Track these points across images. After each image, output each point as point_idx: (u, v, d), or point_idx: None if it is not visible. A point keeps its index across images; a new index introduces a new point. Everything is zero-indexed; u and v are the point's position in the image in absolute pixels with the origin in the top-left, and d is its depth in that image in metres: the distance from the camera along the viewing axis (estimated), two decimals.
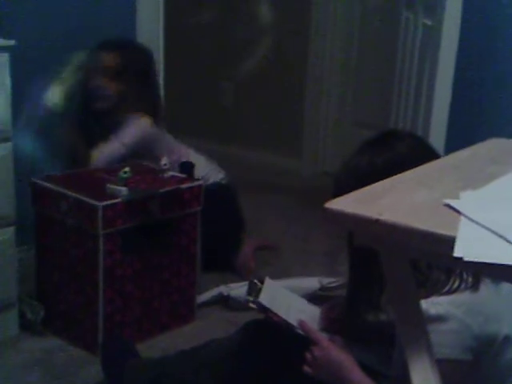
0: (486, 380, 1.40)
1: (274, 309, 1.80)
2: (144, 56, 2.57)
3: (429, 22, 2.66)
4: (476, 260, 0.76)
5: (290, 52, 4.01)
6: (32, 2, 2.42)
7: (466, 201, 0.90)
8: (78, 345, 2.12)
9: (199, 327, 2.28)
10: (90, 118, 2.53)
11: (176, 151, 2.58)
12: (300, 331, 1.67)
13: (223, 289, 2.43)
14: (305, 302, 2.00)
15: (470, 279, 1.36)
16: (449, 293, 1.35)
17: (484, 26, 2.60)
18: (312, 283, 2.46)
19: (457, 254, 0.77)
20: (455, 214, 0.87)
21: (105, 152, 2.44)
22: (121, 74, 2.48)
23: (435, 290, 1.35)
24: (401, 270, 0.95)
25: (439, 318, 1.31)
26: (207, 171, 2.66)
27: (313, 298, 2.45)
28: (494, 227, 0.81)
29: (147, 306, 2.19)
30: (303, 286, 2.46)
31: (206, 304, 2.40)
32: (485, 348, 1.35)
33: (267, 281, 2.04)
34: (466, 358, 1.33)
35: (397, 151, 1.48)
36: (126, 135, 2.47)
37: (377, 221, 0.85)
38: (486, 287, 1.37)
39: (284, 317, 1.79)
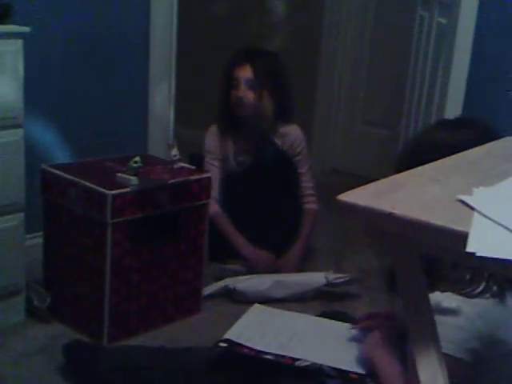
0: None
1: (247, 343, 1.80)
2: (273, 63, 2.73)
3: (444, 21, 2.65)
4: (488, 255, 0.76)
5: (301, 49, 4.00)
6: None
7: (479, 197, 0.89)
8: (84, 332, 2.12)
9: (204, 319, 2.29)
10: (234, 124, 2.74)
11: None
12: (270, 357, 1.71)
13: (229, 281, 2.43)
14: (302, 316, 2.02)
15: (495, 288, 1.35)
16: (470, 295, 1.34)
17: (499, 25, 2.58)
18: (318, 279, 2.46)
19: (469, 249, 0.77)
20: (468, 209, 0.86)
21: None
22: (255, 83, 2.64)
23: (455, 287, 1.34)
24: (411, 265, 0.95)
25: (449, 312, 1.30)
26: None
27: (318, 293, 2.46)
28: (507, 223, 0.80)
29: (153, 297, 2.19)
30: (309, 282, 2.47)
31: (212, 296, 2.40)
32: (490, 353, 1.34)
33: (254, 307, 2.07)
34: (466, 358, 1.32)
35: (469, 134, 1.45)
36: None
37: (390, 214, 0.85)
38: (509, 298, 1.36)
39: (273, 351, 1.77)
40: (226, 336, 1.83)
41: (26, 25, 1.98)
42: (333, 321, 1.97)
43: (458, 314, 1.30)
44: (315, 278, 2.47)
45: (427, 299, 1.02)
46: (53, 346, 2.06)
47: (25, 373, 1.94)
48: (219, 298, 2.42)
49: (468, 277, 1.35)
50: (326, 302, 2.43)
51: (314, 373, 1.67)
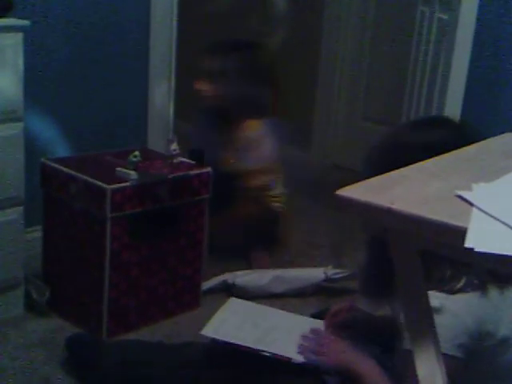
0: (484, 379, 1.39)
1: (237, 340, 1.74)
2: (243, 56, 2.67)
3: (444, 17, 2.65)
4: (487, 251, 0.76)
5: (302, 42, 4.00)
6: None
7: (478, 193, 0.89)
8: (83, 327, 2.12)
9: (203, 314, 2.27)
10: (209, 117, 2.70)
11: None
12: (266, 353, 1.69)
13: (228, 276, 2.44)
14: (280, 313, 1.98)
15: (476, 282, 1.35)
16: (451, 291, 1.35)
17: (500, 20, 2.58)
18: (317, 274, 2.47)
19: (468, 244, 0.77)
20: (467, 205, 0.86)
21: None
22: (221, 76, 2.60)
23: (437, 285, 1.34)
24: (410, 261, 0.95)
25: (433, 311, 1.30)
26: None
27: (318, 289, 2.46)
28: (506, 219, 0.80)
29: (152, 292, 2.19)
30: (308, 277, 2.47)
31: (211, 291, 2.40)
32: (478, 346, 1.34)
33: (231, 301, 2.02)
34: (456, 354, 1.32)
35: (440, 134, 1.45)
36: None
37: (389, 209, 0.85)
38: (491, 290, 1.36)
39: (250, 345, 1.72)
40: (204, 331, 1.81)
41: (25, 18, 1.97)
42: (309, 318, 1.96)
43: (443, 312, 1.30)
44: (314, 274, 2.47)
45: (426, 295, 1.02)
46: (52, 339, 2.06)
47: (24, 366, 1.94)
48: (218, 292, 2.41)
49: (448, 273, 1.35)
50: (324, 298, 2.43)
51: (313, 370, 1.67)
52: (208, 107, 2.67)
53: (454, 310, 1.32)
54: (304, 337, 1.72)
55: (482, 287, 1.35)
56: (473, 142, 1.30)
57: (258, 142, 2.68)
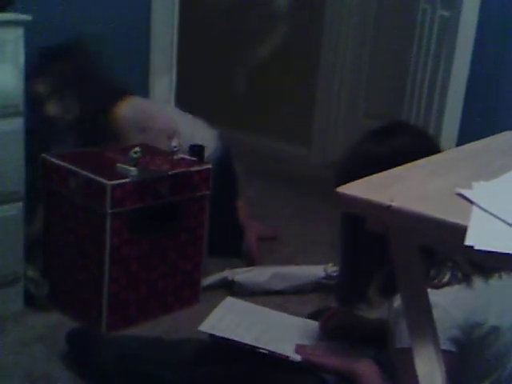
0: (474, 371, 1.39)
1: (234, 336, 1.73)
2: (64, 65, 2.48)
3: (446, 14, 2.64)
4: (487, 249, 0.76)
5: (303, 40, 3.99)
6: None
7: (478, 191, 0.89)
8: (82, 321, 2.12)
9: (202, 310, 2.27)
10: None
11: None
12: (264, 351, 1.68)
13: (228, 273, 2.44)
14: (276, 313, 1.96)
15: (460, 275, 1.36)
16: (436, 287, 1.35)
17: (502, 18, 2.58)
18: (317, 271, 2.47)
19: (468, 242, 0.77)
20: (467, 203, 0.86)
21: None
22: (49, 96, 2.43)
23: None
24: (410, 257, 0.95)
25: None
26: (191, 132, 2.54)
27: (317, 286, 2.46)
28: (506, 217, 0.81)
29: (152, 287, 2.19)
30: (308, 274, 2.47)
31: (211, 287, 2.40)
32: (469, 339, 1.35)
33: (227, 300, 2.00)
34: (449, 348, 1.32)
35: (401, 142, 1.47)
36: None
37: (389, 207, 0.85)
38: (476, 280, 1.37)
39: (248, 342, 1.71)
40: (201, 327, 1.80)
41: (26, 13, 1.97)
42: (304, 319, 1.96)
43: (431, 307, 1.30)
44: (314, 271, 2.48)
45: (425, 291, 1.02)
46: (52, 334, 2.06)
47: (24, 361, 1.94)
48: (218, 289, 2.41)
49: (433, 271, 1.36)
50: (324, 295, 2.42)
51: (312, 368, 1.67)
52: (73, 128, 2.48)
53: (443, 304, 1.32)
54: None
55: (466, 279, 1.36)
56: (432, 149, 1.32)
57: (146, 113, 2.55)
